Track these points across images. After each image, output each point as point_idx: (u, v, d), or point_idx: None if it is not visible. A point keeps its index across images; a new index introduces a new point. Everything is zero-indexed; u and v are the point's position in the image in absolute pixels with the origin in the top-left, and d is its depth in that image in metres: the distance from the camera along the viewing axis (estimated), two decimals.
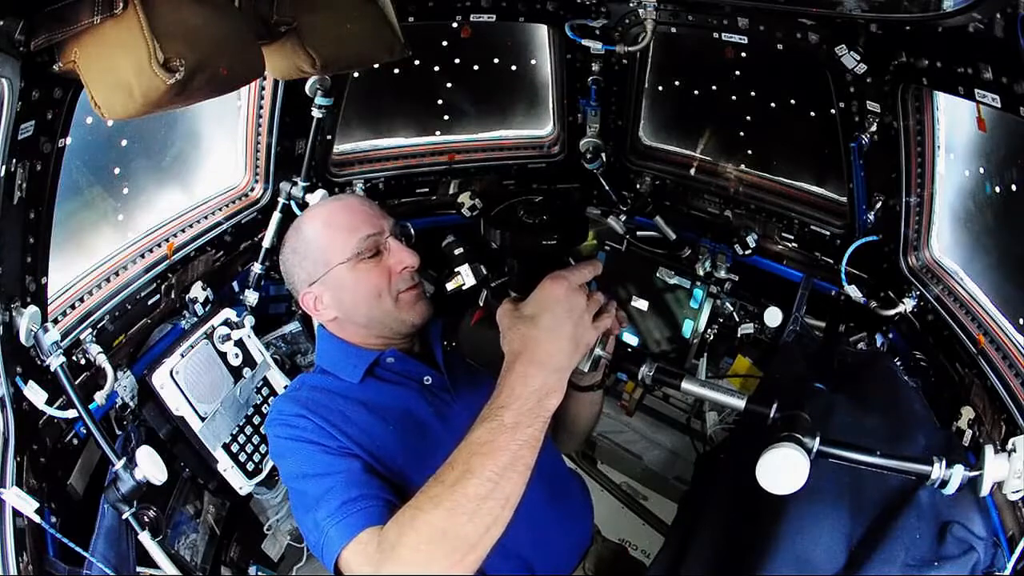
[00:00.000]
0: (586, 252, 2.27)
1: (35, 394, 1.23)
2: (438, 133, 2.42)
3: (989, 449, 1.00)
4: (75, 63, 1.04)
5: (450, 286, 1.65)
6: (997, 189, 1.53)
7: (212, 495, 1.87)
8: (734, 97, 2.15)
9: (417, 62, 2.22)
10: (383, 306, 1.38)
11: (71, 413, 1.29)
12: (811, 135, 1.99)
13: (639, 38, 1.96)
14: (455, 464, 0.94)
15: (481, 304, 1.41)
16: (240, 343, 1.84)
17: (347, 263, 1.36)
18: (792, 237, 2.13)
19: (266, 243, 1.98)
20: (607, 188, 2.39)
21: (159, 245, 1.76)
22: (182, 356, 1.67)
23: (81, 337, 1.45)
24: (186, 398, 1.65)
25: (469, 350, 1.29)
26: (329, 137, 2.12)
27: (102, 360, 1.45)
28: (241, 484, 1.81)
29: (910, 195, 1.69)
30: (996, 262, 1.62)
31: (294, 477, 1.22)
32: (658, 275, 1.38)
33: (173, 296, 1.77)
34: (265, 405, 1.92)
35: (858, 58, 1.53)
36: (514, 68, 2.36)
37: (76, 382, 1.31)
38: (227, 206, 1.98)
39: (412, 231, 2.11)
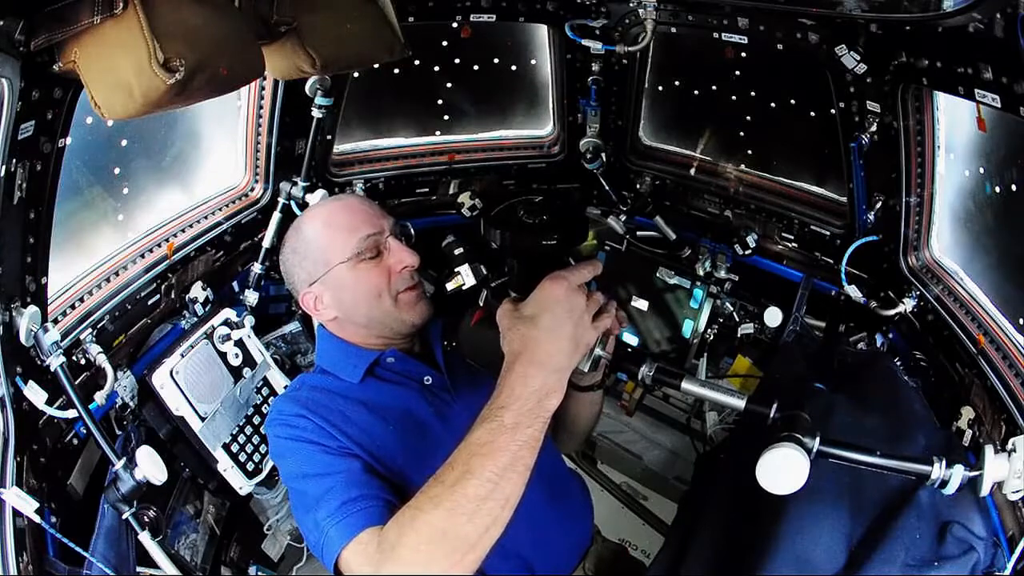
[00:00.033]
0: (586, 252, 2.26)
1: (35, 394, 1.23)
2: (438, 133, 2.42)
3: (989, 449, 1.00)
4: (75, 63, 1.04)
5: (450, 286, 1.65)
6: (997, 189, 1.53)
7: (212, 495, 1.87)
8: (734, 97, 2.14)
9: (417, 62, 2.22)
10: (383, 306, 1.38)
11: (71, 413, 1.29)
12: (811, 135, 1.99)
13: (639, 38, 1.96)
14: (455, 464, 0.94)
15: (481, 304, 1.40)
16: (240, 343, 1.84)
17: (347, 263, 1.36)
18: (792, 237, 2.13)
19: (266, 243, 1.98)
20: (607, 188, 2.39)
21: (159, 245, 1.76)
22: (182, 356, 1.67)
23: (81, 337, 1.45)
24: (186, 398, 1.65)
25: (469, 350, 1.29)
26: (329, 137, 2.12)
27: (102, 360, 1.45)
28: (241, 484, 1.82)
29: (910, 195, 1.69)
30: (996, 262, 1.62)
31: (294, 477, 1.22)
32: (658, 275, 1.38)
33: (173, 296, 1.77)
34: (265, 405, 1.92)
35: (858, 58, 1.53)
36: (514, 68, 2.35)
37: (76, 382, 1.31)
38: (227, 206, 1.98)
39: (412, 231, 2.11)
